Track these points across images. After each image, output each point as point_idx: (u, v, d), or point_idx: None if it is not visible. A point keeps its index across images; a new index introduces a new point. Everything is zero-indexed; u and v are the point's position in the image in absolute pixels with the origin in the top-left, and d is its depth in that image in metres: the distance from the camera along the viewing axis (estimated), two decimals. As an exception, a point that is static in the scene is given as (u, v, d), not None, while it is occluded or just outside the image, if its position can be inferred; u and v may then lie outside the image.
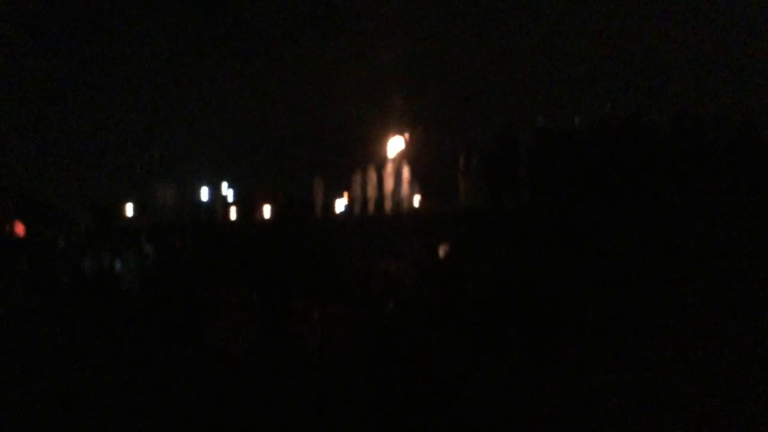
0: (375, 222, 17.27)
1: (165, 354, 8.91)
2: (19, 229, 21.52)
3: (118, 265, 12.25)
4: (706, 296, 9.11)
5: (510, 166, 14.83)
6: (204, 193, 22.48)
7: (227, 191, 22.55)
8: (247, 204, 22.31)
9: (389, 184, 18.35)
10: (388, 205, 18.34)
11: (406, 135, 18.83)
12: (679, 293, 9.34)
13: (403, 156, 18.78)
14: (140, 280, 11.79)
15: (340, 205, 21.44)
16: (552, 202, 13.81)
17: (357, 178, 18.94)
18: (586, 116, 14.51)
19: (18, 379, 8.13)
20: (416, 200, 18.87)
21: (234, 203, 22.75)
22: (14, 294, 10.52)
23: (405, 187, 18.37)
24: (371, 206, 18.51)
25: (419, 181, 19.07)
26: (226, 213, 22.41)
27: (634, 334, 8.64)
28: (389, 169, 18.42)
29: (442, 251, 12.45)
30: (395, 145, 18.74)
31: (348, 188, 19.43)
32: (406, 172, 18.41)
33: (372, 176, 18.55)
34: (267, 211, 22.03)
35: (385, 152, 18.90)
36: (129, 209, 24.35)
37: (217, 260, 13.86)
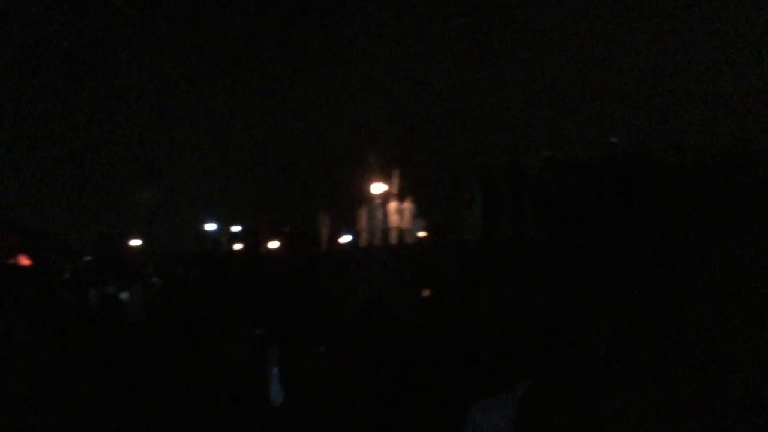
0: (380, 254, 17.26)
1: (169, 385, 8.86)
2: (24, 260, 21.61)
3: (124, 296, 12.22)
4: (716, 324, 9.05)
5: (515, 197, 14.88)
6: (210, 226, 22.60)
7: (233, 224, 22.71)
8: (253, 237, 22.40)
9: (393, 217, 18.46)
10: (392, 237, 18.40)
11: (398, 171, 18.97)
12: (688, 322, 9.28)
13: (405, 190, 18.91)
14: (146, 310, 11.75)
15: (345, 238, 21.55)
16: (558, 233, 13.82)
17: (362, 212, 19.06)
18: (591, 148, 14.63)
19: (22, 408, 8.10)
20: (421, 233, 18.94)
21: (239, 235, 22.85)
22: (19, 323, 10.49)
23: (409, 220, 18.45)
24: (376, 239, 18.57)
25: (424, 214, 19.17)
26: (232, 245, 22.49)
27: (643, 367, 8.57)
28: (393, 202, 18.54)
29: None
30: (378, 188, 19.08)
31: (353, 222, 19.57)
32: (410, 206, 18.51)
33: (377, 210, 18.67)
34: (273, 243, 22.12)
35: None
36: (135, 241, 24.45)
37: (222, 292, 13.82)
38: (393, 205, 18.72)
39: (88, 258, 23.35)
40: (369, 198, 19.02)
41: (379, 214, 18.67)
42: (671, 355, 8.75)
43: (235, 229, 23.06)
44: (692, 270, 10.56)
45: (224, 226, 22.84)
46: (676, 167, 13.84)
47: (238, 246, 23.02)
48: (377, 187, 19.06)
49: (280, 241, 22.67)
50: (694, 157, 13.55)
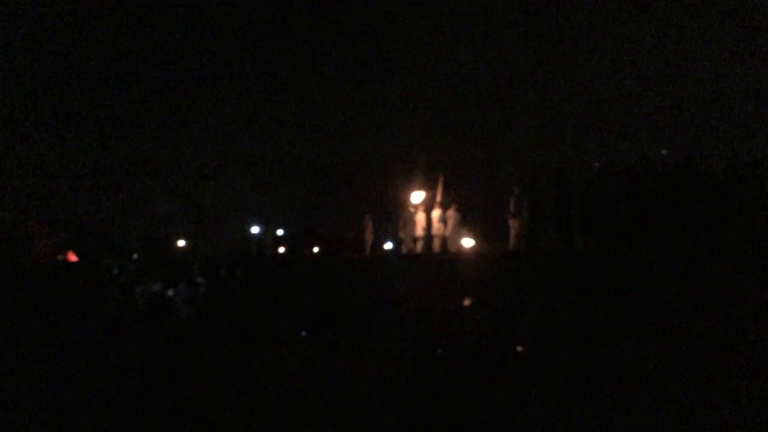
0: (424, 262, 17.20)
1: (213, 383, 8.93)
2: (72, 257, 22.04)
3: (170, 294, 12.39)
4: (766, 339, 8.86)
5: (562, 207, 14.69)
6: (254, 229, 22.83)
7: (277, 227, 22.87)
8: (296, 240, 22.51)
9: (437, 225, 18.37)
10: (437, 245, 18.31)
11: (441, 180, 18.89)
12: (733, 333, 9.10)
13: (450, 198, 18.82)
14: (192, 309, 11.90)
15: (389, 244, 21.56)
16: (606, 244, 13.62)
17: (403, 219, 19.01)
18: (640, 160, 14.38)
19: (70, 400, 8.24)
20: (467, 242, 18.80)
21: (283, 239, 22.99)
22: (68, 315, 10.72)
23: (453, 228, 18.34)
24: (420, 246, 18.50)
25: (470, 223, 19.01)
26: (276, 248, 22.63)
27: (689, 377, 8.42)
28: (436, 210, 18.47)
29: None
30: (417, 196, 19.20)
31: (395, 229, 19.52)
32: (454, 214, 18.40)
33: (421, 217, 18.61)
34: (315, 248, 22.20)
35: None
36: (181, 241, 24.82)
37: (267, 294, 13.92)
38: (437, 213, 18.64)
39: (135, 257, 23.69)
40: (407, 206, 19.08)
41: (417, 222, 18.69)
42: (720, 370, 8.57)
43: (279, 232, 23.19)
44: (745, 284, 10.33)
45: (269, 229, 22.97)
46: (726, 180, 13.54)
47: (281, 249, 23.13)
48: (416, 196, 19.18)
49: (322, 245, 22.71)
50: (746, 169, 13.24)
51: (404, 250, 19.08)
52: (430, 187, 19.01)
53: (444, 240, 18.46)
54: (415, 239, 18.68)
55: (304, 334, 10.91)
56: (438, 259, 17.31)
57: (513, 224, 16.21)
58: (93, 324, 10.47)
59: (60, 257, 22.56)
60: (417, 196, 19.19)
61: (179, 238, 25.21)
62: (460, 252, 18.11)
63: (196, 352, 9.71)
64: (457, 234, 18.59)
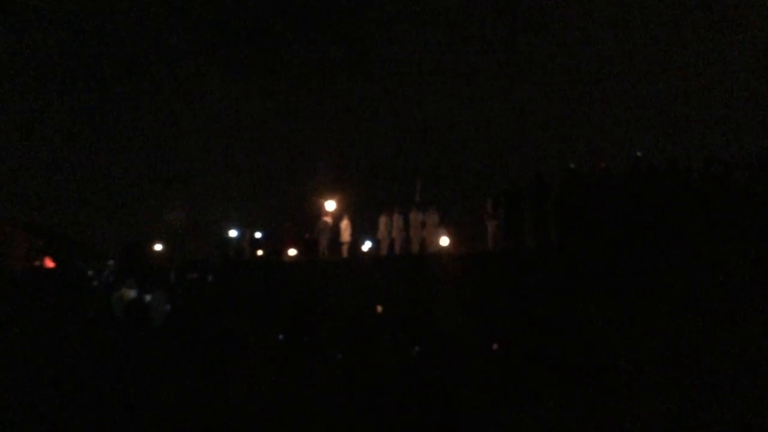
0: (402, 263, 17.24)
1: (190, 386, 8.91)
2: (49, 263, 21.92)
3: (147, 299, 12.33)
4: (740, 337, 8.97)
5: (539, 208, 14.76)
6: (232, 232, 22.71)
7: (255, 230, 22.75)
8: (274, 243, 22.40)
9: (416, 227, 18.41)
10: (414, 246, 18.36)
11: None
12: (710, 335, 9.21)
13: (428, 200, 19.04)
14: (168, 313, 11.86)
15: (366, 245, 21.61)
16: (581, 245, 13.71)
17: (382, 220, 19.04)
18: (618, 161, 14.52)
19: (45, 408, 8.20)
20: (444, 242, 18.89)
21: (261, 242, 22.87)
22: (45, 321, 10.67)
23: (431, 230, 18.40)
24: (398, 248, 18.54)
25: (447, 225, 19.10)
26: (254, 251, 22.53)
27: (665, 376, 8.51)
28: (413, 212, 18.55)
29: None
30: (329, 205, 20.07)
31: (374, 230, 19.58)
32: (433, 216, 18.46)
33: (398, 219, 18.66)
34: (292, 250, 22.13)
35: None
36: (158, 246, 24.71)
37: (243, 297, 13.87)
38: (414, 215, 18.70)
39: (111, 262, 23.54)
40: (322, 214, 19.66)
41: (343, 229, 19.26)
42: (695, 368, 8.68)
43: (257, 235, 23.12)
44: (719, 283, 10.46)
45: (246, 232, 22.90)
46: (703, 180, 13.70)
47: (259, 252, 23.07)
48: (329, 205, 19.92)
49: (299, 247, 22.66)
50: (722, 170, 13.40)
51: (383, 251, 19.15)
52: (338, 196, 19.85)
53: (422, 241, 18.52)
54: (340, 244, 19.31)
55: (281, 337, 10.90)
56: (416, 260, 17.35)
57: (490, 225, 16.30)
58: (71, 331, 10.44)
59: (37, 263, 22.40)
60: (330, 205, 19.94)
61: (156, 242, 25.08)
62: (438, 252, 18.18)
63: (173, 357, 9.69)
64: (436, 235, 18.67)
